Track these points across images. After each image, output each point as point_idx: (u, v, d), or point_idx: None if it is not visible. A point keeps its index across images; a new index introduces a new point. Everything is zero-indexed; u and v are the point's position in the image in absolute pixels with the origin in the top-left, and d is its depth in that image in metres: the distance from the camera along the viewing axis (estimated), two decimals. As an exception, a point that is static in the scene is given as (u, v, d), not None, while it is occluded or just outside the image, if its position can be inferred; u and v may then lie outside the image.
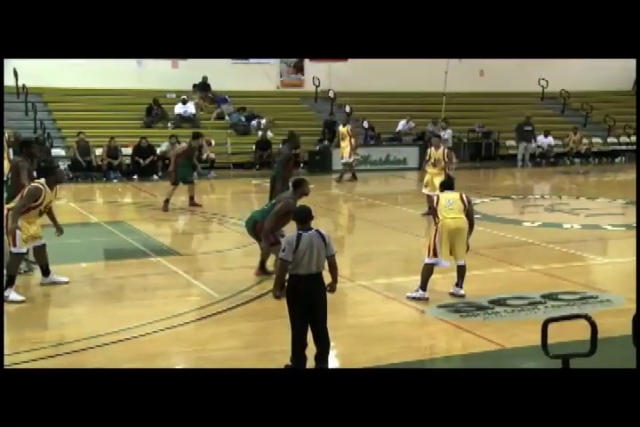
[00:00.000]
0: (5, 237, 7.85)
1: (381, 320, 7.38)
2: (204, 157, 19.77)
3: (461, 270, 8.02)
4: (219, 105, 22.58)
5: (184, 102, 21.54)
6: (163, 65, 21.47)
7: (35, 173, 9.07)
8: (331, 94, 23.45)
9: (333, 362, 6.19)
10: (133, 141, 19.35)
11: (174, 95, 22.27)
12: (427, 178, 13.11)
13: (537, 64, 21.95)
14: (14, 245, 7.85)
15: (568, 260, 10.13)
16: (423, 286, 7.87)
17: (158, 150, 19.23)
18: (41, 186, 8.00)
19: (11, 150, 12.72)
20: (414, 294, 7.88)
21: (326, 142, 21.39)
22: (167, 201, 13.77)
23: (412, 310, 7.74)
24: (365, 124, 22.20)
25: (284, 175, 11.83)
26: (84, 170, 18.71)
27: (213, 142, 20.29)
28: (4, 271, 7.84)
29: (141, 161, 18.96)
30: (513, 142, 23.15)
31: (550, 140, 23.21)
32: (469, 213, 8.03)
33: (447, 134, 18.23)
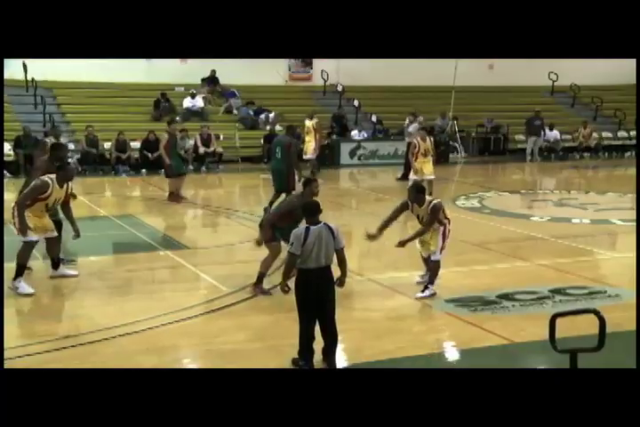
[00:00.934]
0: (13, 227, 7.89)
1: (389, 314, 7.38)
2: (211, 150, 19.82)
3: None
4: (227, 99, 22.59)
5: (192, 96, 21.55)
6: (171, 59, 21.46)
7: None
8: (339, 88, 23.41)
9: (341, 356, 6.19)
10: (142, 135, 19.38)
11: (183, 89, 22.29)
12: (418, 166, 14.23)
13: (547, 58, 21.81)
14: (24, 235, 7.84)
15: (577, 254, 10.10)
16: (432, 282, 7.87)
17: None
18: (49, 180, 8.00)
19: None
20: (425, 294, 7.81)
21: (334, 137, 21.37)
22: (177, 194, 13.81)
23: (419, 305, 7.74)
24: (374, 119, 22.17)
25: (289, 161, 12.51)
26: (94, 162, 18.76)
27: (222, 136, 20.30)
28: (15, 260, 7.88)
29: (150, 155, 18.98)
30: (522, 137, 23.07)
31: (556, 133, 23.09)
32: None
33: (412, 128, 18.14)
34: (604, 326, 4.26)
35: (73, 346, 6.38)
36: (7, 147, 17.28)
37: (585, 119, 24.23)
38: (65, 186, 8.17)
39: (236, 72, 22.42)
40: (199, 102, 21.62)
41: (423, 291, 7.81)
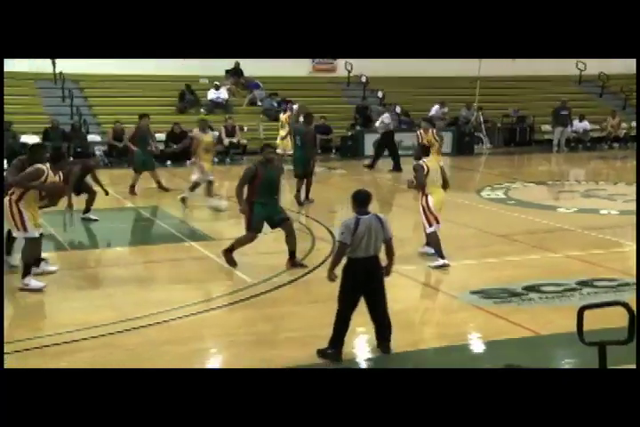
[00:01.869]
0: (12, 224, 7.65)
1: (414, 306, 7.35)
2: (236, 141, 19.85)
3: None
4: (251, 90, 22.59)
5: (217, 88, 21.58)
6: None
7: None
8: (363, 79, 23.29)
9: (364, 347, 6.18)
10: (166, 127, 19.46)
11: (207, 81, 22.33)
12: None
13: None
14: (25, 230, 7.61)
15: (604, 246, 9.97)
16: (441, 255, 7.95)
17: (189, 135, 19.30)
18: (44, 167, 7.72)
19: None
20: (438, 263, 7.99)
21: (358, 128, 21.29)
22: (132, 186, 13.88)
23: (444, 296, 7.70)
24: (398, 110, 22.03)
25: (309, 148, 13.06)
26: (119, 155, 18.88)
27: (245, 128, 20.32)
28: (21, 259, 7.76)
29: (174, 147, 19.04)
30: (548, 127, 22.79)
31: (586, 124, 22.77)
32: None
33: (386, 118, 18.08)
34: (634, 318, 4.19)
35: (102, 335, 6.44)
36: (36, 139, 17.44)
37: (613, 109, 23.85)
38: (58, 175, 7.95)
39: (260, 63, 22.38)
40: (223, 94, 21.65)
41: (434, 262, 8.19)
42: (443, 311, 7.35)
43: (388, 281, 8.20)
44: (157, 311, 7.06)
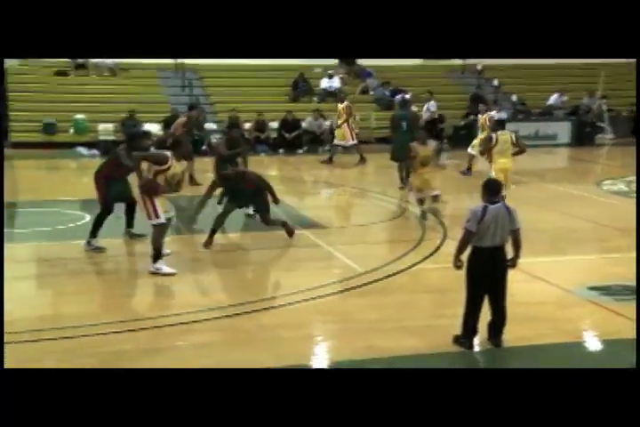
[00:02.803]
0: (145, 213, 7.91)
1: (527, 300, 7.15)
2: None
3: None
4: (363, 79, 22.58)
5: (330, 77, 21.71)
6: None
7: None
8: (479, 67, 22.78)
9: (475, 341, 6.09)
10: (280, 116, 19.78)
11: (320, 70, 22.49)
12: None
13: None
14: (156, 217, 7.85)
15: None
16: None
17: (303, 124, 19.56)
18: (168, 154, 7.99)
19: None
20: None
21: (472, 117, 20.87)
22: (191, 176, 13.36)
23: (559, 291, 7.46)
24: (514, 98, 21.43)
25: (413, 133, 12.88)
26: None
27: (358, 117, 20.34)
28: (151, 245, 8.00)
29: (287, 135, 19.35)
30: (678, 116, 21.51)
31: None
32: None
33: (432, 106, 18.47)
34: None
35: (217, 318, 6.65)
36: (157, 127, 18.17)
37: None
38: (178, 163, 8.13)
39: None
40: (336, 83, 21.76)
41: None
42: (558, 306, 7.11)
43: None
44: (270, 296, 7.24)
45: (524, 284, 7.74)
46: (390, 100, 21.71)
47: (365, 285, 7.63)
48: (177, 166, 8.12)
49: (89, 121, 19.26)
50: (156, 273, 7.88)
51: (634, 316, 6.55)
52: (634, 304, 6.88)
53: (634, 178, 14.47)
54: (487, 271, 5.79)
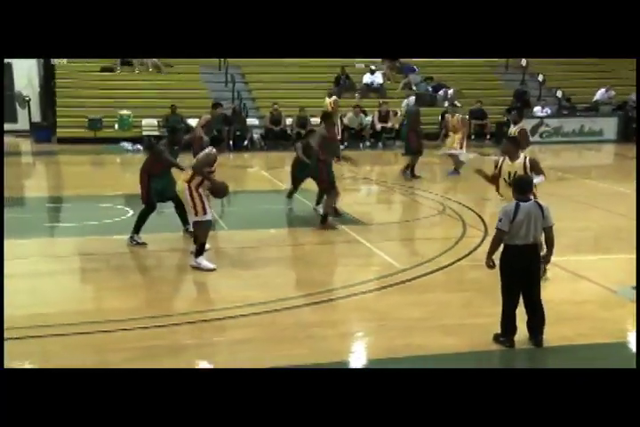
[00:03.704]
0: (192, 210, 7.94)
1: (569, 299, 7.06)
2: (389, 126, 19.82)
3: None
4: (406, 75, 22.46)
5: (372, 72, 21.65)
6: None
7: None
8: (523, 63, 22.48)
9: (516, 340, 6.02)
10: (320, 111, 19.75)
11: (363, 65, 22.44)
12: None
13: None
14: (204, 213, 7.91)
15: None
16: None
17: (344, 120, 19.53)
18: (214, 150, 8.03)
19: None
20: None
21: (514, 113, 20.58)
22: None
23: (602, 290, 7.34)
24: (559, 94, 21.09)
25: (411, 127, 14.92)
26: (276, 138, 19.43)
27: (399, 113, 20.25)
28: (195, 241, 8.11)
29: (329, 130, 19.33)
30: None
31: None
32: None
33: (412, 100, 18.50)
34: None
35: (256, 313, 6.68)
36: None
37: None
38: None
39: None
40: (378, 78, 21.69)
41: None
42: (600, 306, 7.00)
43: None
44: (308, 293, 7.25)
45: (568, 283, 7.65)
46: (432, 95, 21.56)
47: (404, 282, 7.61)
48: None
49: (134, 116, 19.56)
50: (197, 268, 7.97)
51: (679, 317, 6.41)
52: (679, 305, 6.73)
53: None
54: (520, 269, 5.75)
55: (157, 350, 5.87)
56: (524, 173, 7.12)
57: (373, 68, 21.78)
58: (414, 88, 22.03)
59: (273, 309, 6.79)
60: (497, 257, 5.88)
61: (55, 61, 20.99)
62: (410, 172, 14.27)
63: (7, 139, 19.94)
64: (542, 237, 5.91)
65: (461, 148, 14.82)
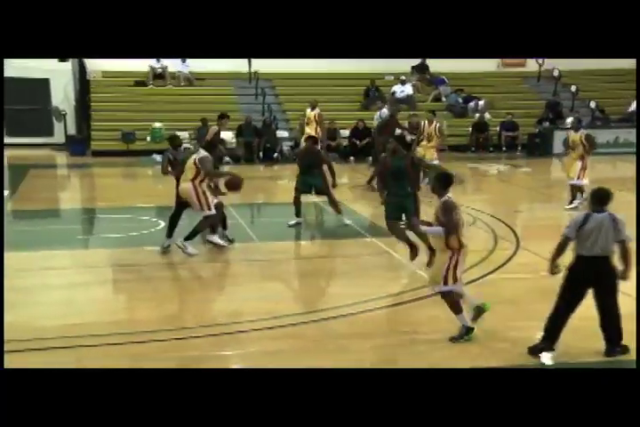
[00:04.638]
0: (198, 205, 8.71)
1: (628, 312, 6.91)
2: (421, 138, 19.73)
3: None
4: (436, 86, 22.42)
5: (402, 83, 21.65)
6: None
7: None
8: (555, 74, 22.31)
9: (546, 356, 5.92)
10: (351, 124, 19.82)
11: (392, 77, 22.45)
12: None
13: None
14: (209, 209, 8.73)
15: None
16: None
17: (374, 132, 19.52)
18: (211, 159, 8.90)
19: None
20: None
21: (547, 124, 20.43)
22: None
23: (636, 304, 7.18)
24: (592, 105, 20.88)
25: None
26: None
27: (443, 125, 20.18)
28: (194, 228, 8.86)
29: (358, 142, 19.36)
30: None
31: None
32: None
33: (384, 112, 17.62)
34: None
35: (285, 325, 6.68)
36: (230, 135, 18.54)
37: None
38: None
39: (447, 59, 22.15)
40: (408, 90, 21.67)
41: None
42: (634, 321, 6.85)
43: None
44: (339, 305, 7.22)
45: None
46: (463, 106, 21.49)
47: (435, 295, 7.53)
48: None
49: (166, 129, 19.79)
50: (182, 249, 8.73)
51: None
52: None
53: None
54: (585, 280, 5.67)
55: (188, 361, 5.88)
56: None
57: (404, 78, 21.75)
58: (444, 99, 21.99)
59: (302, 321, 6.77)
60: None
61: (90, 76, 21.35)
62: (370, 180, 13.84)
63: (44, 152, 20.31)
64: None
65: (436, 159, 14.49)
